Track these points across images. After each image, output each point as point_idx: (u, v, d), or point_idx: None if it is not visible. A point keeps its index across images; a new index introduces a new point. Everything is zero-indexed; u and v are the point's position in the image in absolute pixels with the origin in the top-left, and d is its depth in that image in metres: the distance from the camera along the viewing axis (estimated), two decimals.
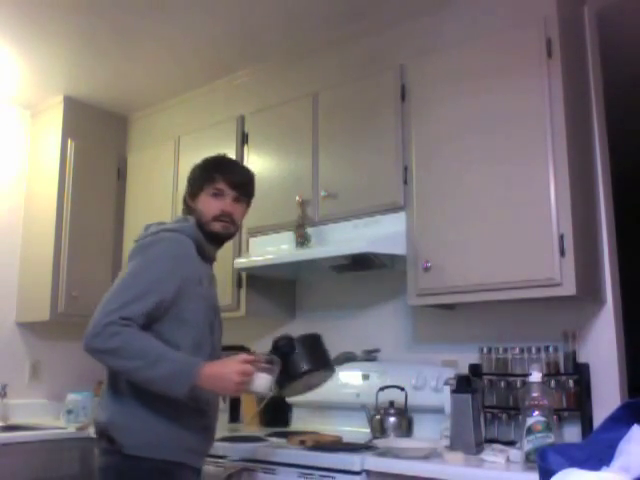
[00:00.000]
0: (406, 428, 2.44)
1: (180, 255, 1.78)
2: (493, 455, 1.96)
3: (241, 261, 2.85)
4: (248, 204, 2.00)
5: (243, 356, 1.69)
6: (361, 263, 2.64)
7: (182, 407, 1.71)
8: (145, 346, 1.63)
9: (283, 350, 1.93)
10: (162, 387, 1.63)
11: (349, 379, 2.72)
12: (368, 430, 2.48)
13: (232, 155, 3.07)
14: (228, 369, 1.65)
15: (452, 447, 2.10)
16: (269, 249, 2.84)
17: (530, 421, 1.85)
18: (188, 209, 1.93)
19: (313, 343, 2.03)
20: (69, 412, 3.20)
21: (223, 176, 1.89)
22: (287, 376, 1.92)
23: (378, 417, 2.46)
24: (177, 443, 1.74)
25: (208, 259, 1.90)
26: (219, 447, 2.36)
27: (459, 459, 1.98)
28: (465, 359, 2.44)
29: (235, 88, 3.21)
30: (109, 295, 1.69)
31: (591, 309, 2.29)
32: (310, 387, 2.11)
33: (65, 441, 2.88)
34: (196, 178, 1.94)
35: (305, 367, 1.96)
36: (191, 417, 1.76)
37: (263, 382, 1.71)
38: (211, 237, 1.88)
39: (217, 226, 1.87)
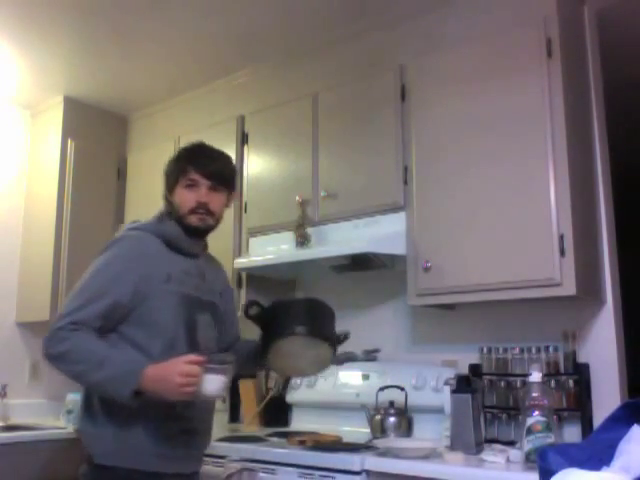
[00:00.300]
0: (406, 428, 2.44)
1: (139, 254, 1.72)
2: (493, 455, 1.96)
3: (241, 261, 2.85)
4: (229, 193, 1.87)
5: (189, 356, 1.57)
6: (361, 263, 2.64)
7: (153, 412, 1.64)
8: (91, 349, 1.59)
9: (255, 315, 1.76)
10: (107, 391, 1.58)
11: (349, 379, 2.72)
12: (368, 430, 2.48)
13: (232, 155, 3.06)
14: (170, 371, 1.54)
15: (452, 447, 2.10)
16: (269, 249, 2.84)
17: (530, 421, 1.86)
18: (168, 204, 1.85)
19: (316, 309, 1.77)
20: (69, 412, 3.19)
21: (195, 166, 1.79)
22: (271, 336, 1.73)
23: (378, 417, 2.46)
24: (149, 450, 1.65)
25: (188, 253, 1.80)
26: (219, 447, 2.36)
27: (459, 459, 1.98)
28: (465, 359, 2.44)
29: (235, 88, 3.22)
30: (67, 298, 1.67)
31: (591, 309, 2.29)
32: (301, 365, 1.85)
33: (65, 441, 2.87)
34: (171, 171, 1.84)
35: (294, 329, 1.70)
36: (165, 422, 1.66)
37: (213, 384, 1.56)
38: (190, 231, 1.80)
39: (194, 219, 1.78)
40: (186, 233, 1.80)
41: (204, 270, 1.85)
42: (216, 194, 1.81)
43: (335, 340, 1.79)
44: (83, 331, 1.60)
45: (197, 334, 1.75)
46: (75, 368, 1.58)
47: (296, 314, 1.73)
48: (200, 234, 1.84)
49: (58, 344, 1.58)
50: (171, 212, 1.82)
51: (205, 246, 1.92)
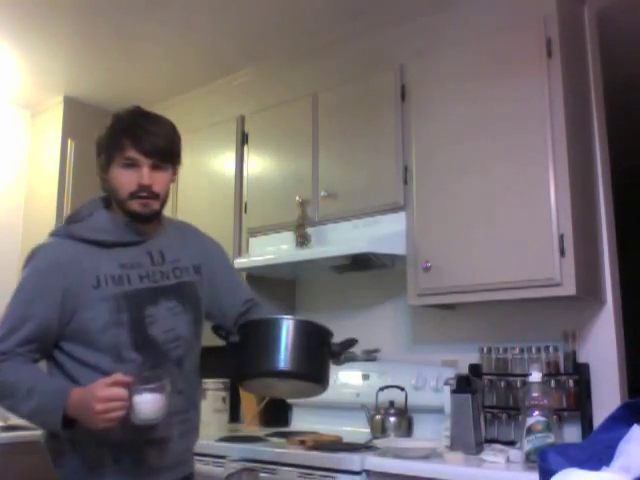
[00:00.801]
0: (406, 428, 2.44)
1: (54, 265, 1.51)
2: (493, 455, 1.96)
3: (241, 261, 2.84)
4: (174, 169, 1.63)
5: (113, 377, 1.36)
6: (361, 263, 2.64)
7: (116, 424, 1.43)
8: (17, 380, 1.43)
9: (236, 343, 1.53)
10: (38, 422, 1.48)
11: (349, 379, 2.72)
12: (368, 430, 2.48)
13: (232, 155, 3.07)
14: (89, 396, 1.33)
15: (452, 447, 2.10)
16: (269, 249, 2.84)
17: (530, 421, 1.86)
18: (104, 184, 1.61)
19: (302, 338, 1.49)
20: None
21: (134, 142, 1.52)
22: (245, 371, 1.54)
23: (378, 417, 2.46)
24: (110, 467, 1.48)
25: (128, 243, 1.58)
26: (219, 447, 2.36)
27: (459, 459, 1.98)
28: (465, 359, 2.44)
29: (235, 88, 3.21)
30: None
31: (591, 309, 2.29)
32: (283, 393, 1.76)
33: None
34: (105, 146, 1.58)
35: (271, 369, 1.47)
36: (125, 434, 1.44)
37: (147, 406, 1.35)
38: (132, 217, 1.57)
39: (135, 205, 1.54)
40: (129, 218, 1.58)
41: (162, 250, 1.63)
42: (160, 173, 1.56)
43: (324, 375, 1.54)
44: (10, 361, 1.45)
45: (149, 331, 1.53)
46: (6, 402, 1.46)
47: (276, 347, 1.46)
48: (142, 220, 1.59)
49: None
50: (107, 196, 1.62)
51: (158, 219, 1.66)
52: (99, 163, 1.61)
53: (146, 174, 1.53)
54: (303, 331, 1.52)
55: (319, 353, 1.53)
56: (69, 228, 1.57)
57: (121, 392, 1.34)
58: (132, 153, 1.52)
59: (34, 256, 1.57)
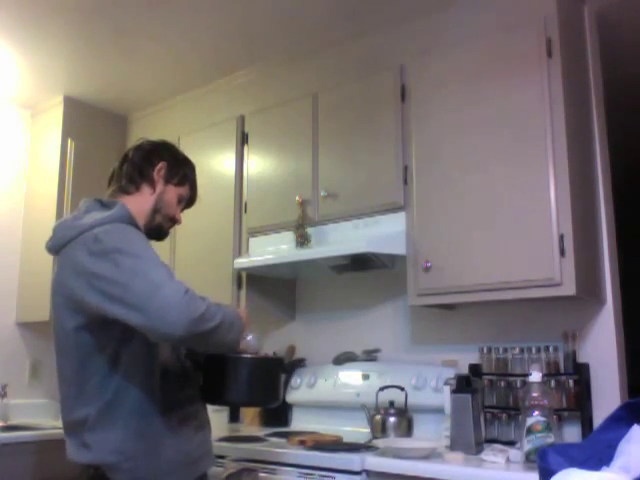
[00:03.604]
0: (406, 428, 2.44)
1: (143, 238, 1.59)
2: (493, 455, 1.96)
3: (241, 261, 2.85)
4: None
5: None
6: (361, 263, 2.64)
7: (174, 418, 1.57)
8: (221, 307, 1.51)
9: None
10: (235, 333, 1.54)
11: (349, 379, 2.73)
12: (368, 430, 2.48)
13: (232, 155, 3.08)
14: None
15: (452, 447, 2.10)
16: (269, 249, 2.84)
17: (530, 421, 1.86)
18: (142, 178, 1.72)
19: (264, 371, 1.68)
20: None
21: (194, 196, 1.84)
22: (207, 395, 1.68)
23: (378, 417, 2.46)
24: (189, 469, 1.58)
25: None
26: (219, 447, 2.35)
27: (459, 459, 1.98)
28: (465, 359, 2.44)
29: (235, 88, 3.22)
30: (144, 288, 1.39)
31: (591, 309, 2.29)
32: None
33: (65, 441, 2.87)
34: (182, 171, 1.78)
35: (227, 400, 1.77)
36: (179, 421, 1.59)
37: (254, 339, 1.72)
38: (156, 231, 1.74)
39: (168, 226, 1.78)
40: (150, 230, 1.71)
41: None
42: None
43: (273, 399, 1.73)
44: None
45: None
46: (211, 325, 1.44)
47: (232, 381, 1.63)
48: (159, 238, 1.77)
49: (195, 305, 1.40)
50: (106, 201, 1.67)
51: None
52: (164, 166, 1.75)
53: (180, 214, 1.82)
54: (263, 367, 1.69)
55: (274, 381, 1.72)
56: (132, 217, 1.61)
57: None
58: (187, 197, 1.82)
59: (126, 234, 1.54)
